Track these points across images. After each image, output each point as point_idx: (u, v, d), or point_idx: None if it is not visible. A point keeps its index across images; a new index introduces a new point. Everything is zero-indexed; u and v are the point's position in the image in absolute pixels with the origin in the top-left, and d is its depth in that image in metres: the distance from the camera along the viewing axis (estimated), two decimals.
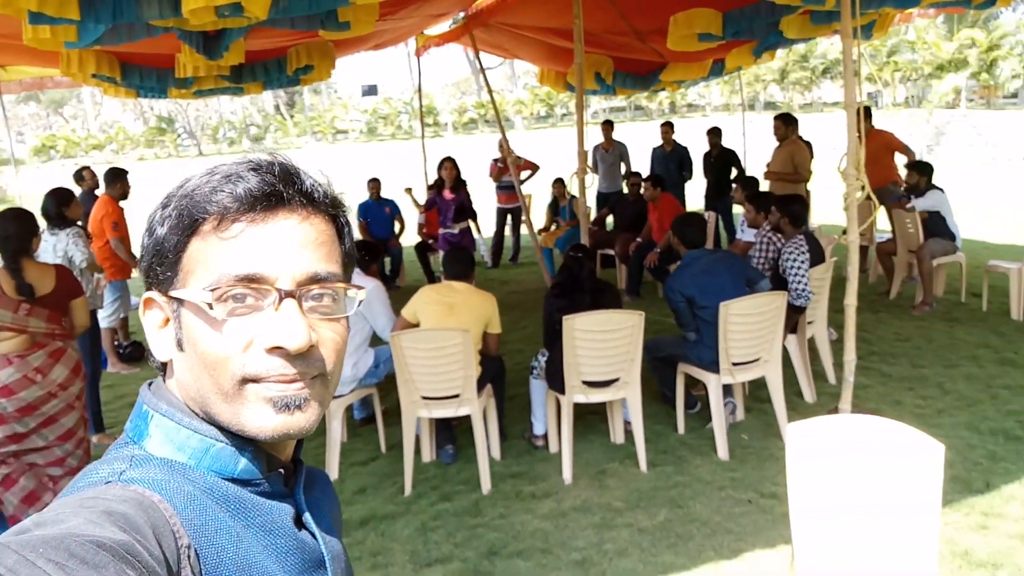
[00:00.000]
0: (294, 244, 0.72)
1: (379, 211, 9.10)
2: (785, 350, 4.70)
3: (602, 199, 9.86)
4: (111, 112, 51.55)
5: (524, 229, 9.22)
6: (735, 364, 4.05)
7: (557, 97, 30.32)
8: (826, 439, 2.11)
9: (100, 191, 7.51)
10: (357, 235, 9.00)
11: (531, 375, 4.31)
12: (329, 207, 0.77)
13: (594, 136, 10.60)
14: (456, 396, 3.82)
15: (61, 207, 4.60)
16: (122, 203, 6.43)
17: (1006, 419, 4.21)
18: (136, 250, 5.84)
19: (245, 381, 0.70)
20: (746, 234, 5.93)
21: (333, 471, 4.13)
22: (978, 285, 6.58)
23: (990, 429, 4.10)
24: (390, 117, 34.83)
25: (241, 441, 0.73)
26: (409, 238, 9.42)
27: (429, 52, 10.57)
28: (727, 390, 4.30)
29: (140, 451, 0.71)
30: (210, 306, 0.69)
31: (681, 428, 4.38)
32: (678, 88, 11.62)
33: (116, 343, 6.65)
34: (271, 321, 0.70)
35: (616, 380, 3.93)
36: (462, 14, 8.22)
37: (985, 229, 10.34)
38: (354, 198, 9.02)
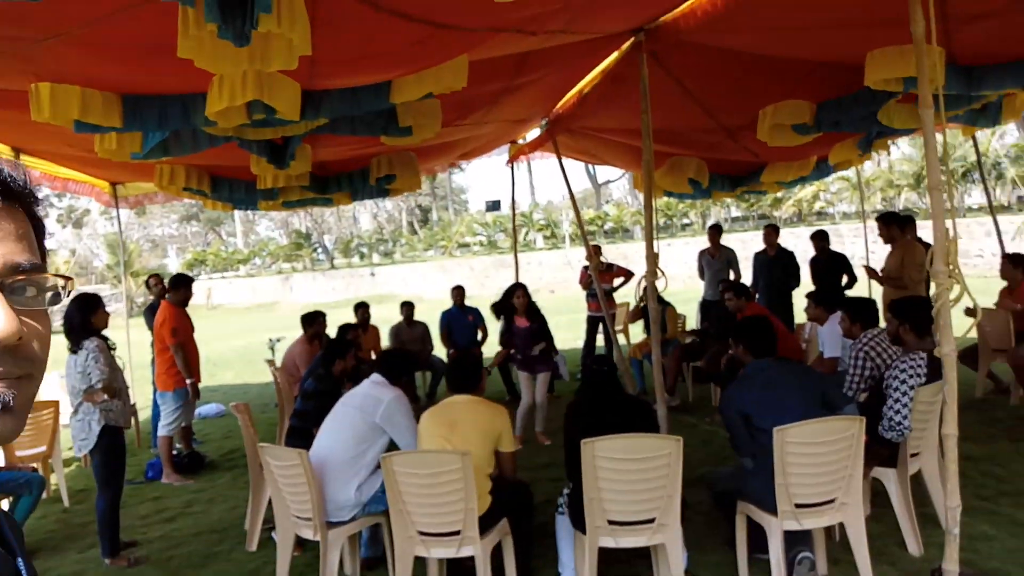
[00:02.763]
0: None
1: (462, 319, 8.84)
2: (885, 488, 3.85)
3: (706, 308, 9.18)
4: (265, 230, 55.74)
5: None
6: (800, 506, 3.27)
7: (676, 207, 29.89)
8: None
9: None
10: (437, 344, 8.83)
11: (557, 511, 3.66)
12: (28, 199, 0.74)
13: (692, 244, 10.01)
14: (457, 533, 3.25)
15: (87, 314, 4.48)
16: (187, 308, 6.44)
17: None
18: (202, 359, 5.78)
19: None
20: (829, 348, 5.12)
21: None
22: None
23: None
24: (509, 230, 35.44)
25: None
26: (491, 348, 9.05)
27: (521, 161, 10.50)
28: (800, 538, 3.48)
29: None
30: None
31: None
32: (779, 190, 10.90)
33: (175, 452, 6.53)
34: None
35: (652, 520, 3.24)
36: (545, 120, 8.05)
37: None
38: (440, 307, 8.88)
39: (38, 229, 0.75)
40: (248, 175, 7.44)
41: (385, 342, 9.03)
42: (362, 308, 8.46)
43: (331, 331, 7.82)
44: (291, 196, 8.56)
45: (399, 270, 34.34)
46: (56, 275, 0.72)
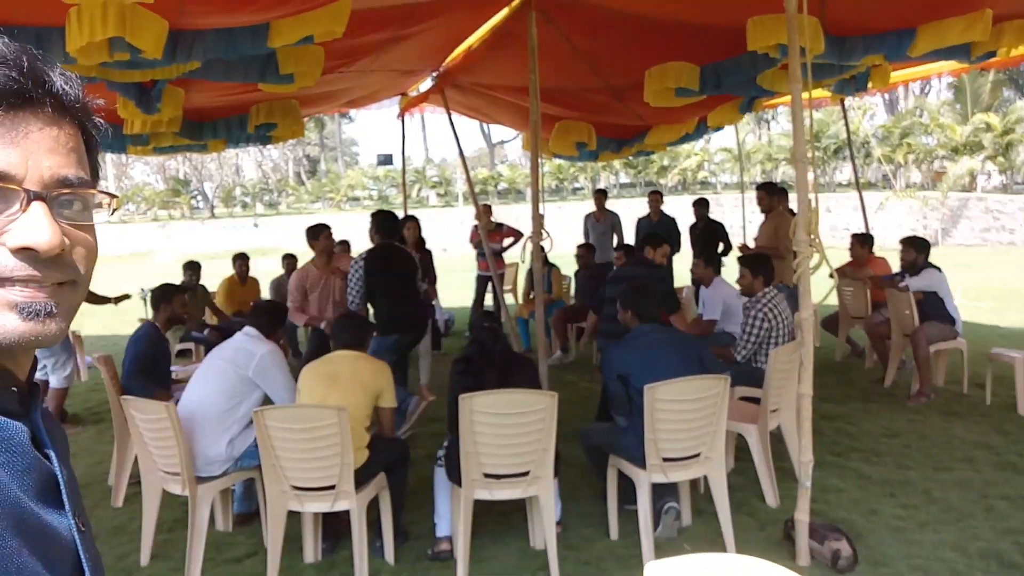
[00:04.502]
0: (42, 146, 0.68)
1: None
2: (747, 443, 4.08)
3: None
4: (139, 174, 52.53)
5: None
6: (668, 460, 3.41)
7: (567, 171, 30.23)
8: None
9: None
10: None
11: (436, 464, 3.68)
12: (79, 113, 0.72)
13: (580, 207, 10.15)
14: (332, 487, 3.22)
15: None
16: None
17: (1001, 539, 3.51)
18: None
19: None
20: (708, 311, 5.36)
21: (195, 568, 3.49)
22: (983, 375, 5.90)
23: (980, 551, 3.39)
24: (400, 185, 34.80)
25: None
26: None
27: (412, 114, 10.30)
28: (666, 490, 3.65)
29: None
30: None
31: (614, 533, 3.71)
32: (663, 149, 11.16)
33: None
34: (19, 222, 0.65)
35: (526, 473, 3.30)
36: (435, 73, 7.89)
37: (996, 314, 9.67)
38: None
39: (91, 144, 0.76)
40: (115, 117, 6.97)
41: (266, 295, 8.75)
42: (241, 259, 8.17)
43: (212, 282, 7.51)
44: (162, 142, 8.07)
45: (284, 221, 33.27)
46: (102, 192, 0.73)
